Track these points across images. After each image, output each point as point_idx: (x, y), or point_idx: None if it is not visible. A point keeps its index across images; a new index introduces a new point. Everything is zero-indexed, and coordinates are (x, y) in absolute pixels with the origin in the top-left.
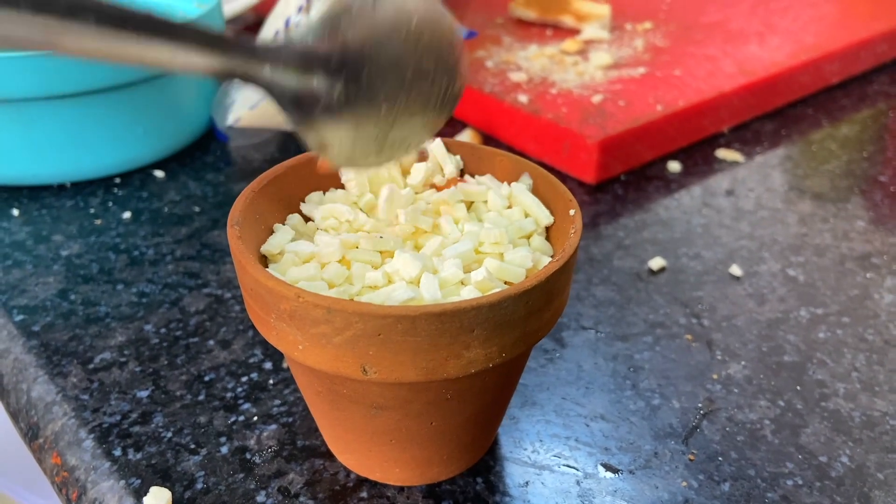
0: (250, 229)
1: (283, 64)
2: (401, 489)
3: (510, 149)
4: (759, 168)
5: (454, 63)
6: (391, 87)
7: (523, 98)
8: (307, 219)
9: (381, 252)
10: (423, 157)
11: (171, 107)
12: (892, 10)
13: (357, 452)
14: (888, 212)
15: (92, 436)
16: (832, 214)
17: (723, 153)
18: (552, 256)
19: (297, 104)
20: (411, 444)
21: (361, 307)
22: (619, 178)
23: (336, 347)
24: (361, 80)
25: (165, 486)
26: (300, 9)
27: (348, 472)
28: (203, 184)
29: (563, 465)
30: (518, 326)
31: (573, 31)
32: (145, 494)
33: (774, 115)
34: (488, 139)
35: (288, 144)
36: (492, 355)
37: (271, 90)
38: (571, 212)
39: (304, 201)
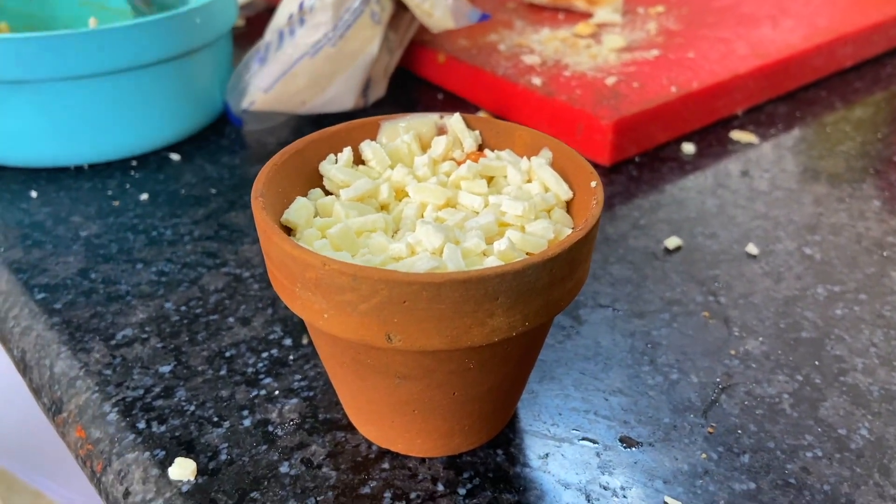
0: (273, 201)
1: None
2: (422, 460)
3: None
4: (773, 149)
5: None
6: None
7: (537, 80)
8: (328, 192)
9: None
10: (442, 131)
11: (186, 88)
12: None
13: (379, 424)
14: None
15: (116, 409)
16: (847, 195)
17: (737, 135)
18: (573, 228)
19: None
20: (433, 415)
21: (387, 274)
22: (634, 159)
23: (361, 315)
24: None
25: (190, 457)
26: None
27: (370, 444)
28: (219, 166)
29: (583, 438)
30: (541, 295)
31: (585, 15)
32: (170, 465)
33: (788, 97)
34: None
35: (301, 128)
36: (515, 324)
37: None
38: (593, 183)
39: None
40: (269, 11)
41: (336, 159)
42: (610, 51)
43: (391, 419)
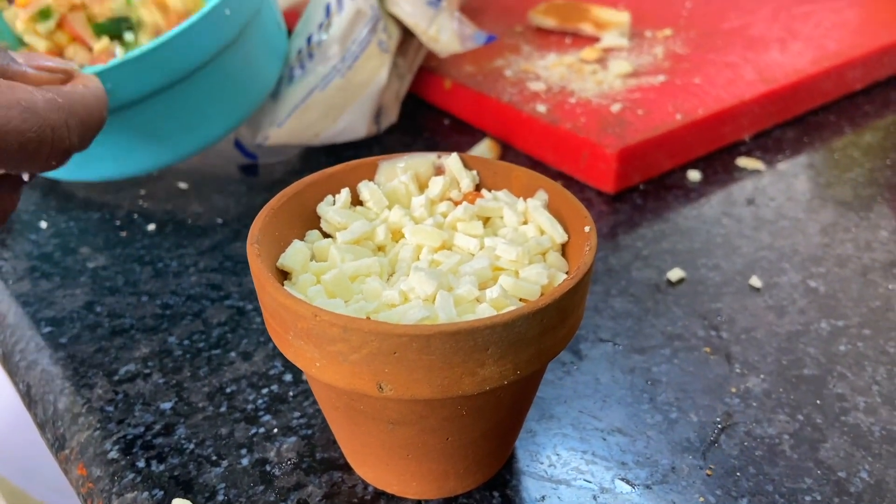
0: (270, 246)
1: None
2: (418, 502)
3: (529, 158)
4: (780, 176)
5: None
6: None
7: (542, 108)
8: (326, 234)
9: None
10: (440, 171)
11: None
12: None
13: (375, 466)
14: None
15: (116, 447)
16: (854, 224)
17: (743, 161)
18: (567, 272)
19: None
20: (428, 459)
21: (377, 326)
22: (638, 187)
23: (352, 365)
24: None
25: (188, 498)
26: (321, 26)
27: (366, 485)
28: (225, 195)
29: (580, 480)
30: (532, 344)
31: (592, 39)
32: None
33: (796, 122)
34: (506, 148)
35: (311, 156)
36: (506, 373)
37: None
38: (586, 228)
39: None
40: None
41: (334, 200)
42: (616, 76)
43: (386, 462)
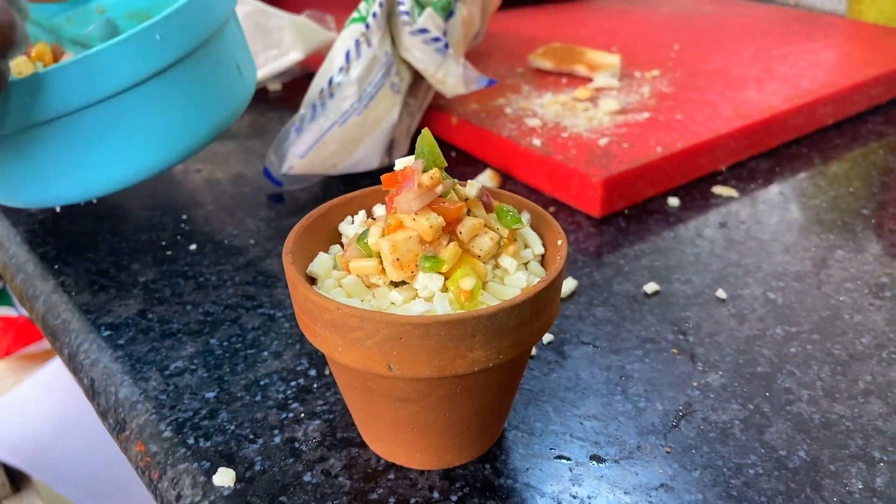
0: (300, 257)
1: None
2: (421, 472)
3: (526, 186)
4: (751, 202)
5: None
6: None
7: (537, 142)
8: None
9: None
10: None
11: (180, 100)
12: (886, 56)
13: (385, 440)
14: (866, 242)
15: (170, 428)
16: (815, 244)
17: (719, 189)
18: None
19: None
20: (429, 433)
21: (387, 317)
22: (623, 212)
23: (367, 349)
24: None
25: (230, 468)
26: (341, 69)
27: (379, 458)
28: (256, 219)
29: (558, 456)
30: (512, 333)
31: (586, 80)
32: (214, 474)
33: (770, 154)
34: (506, 178)
35: (331, 185)
36: (491, 356)
37: None
38: (559, 242)
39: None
40: (305, 77)
41: (353, 220)
42: (605, 114)
43: (394, 436)
